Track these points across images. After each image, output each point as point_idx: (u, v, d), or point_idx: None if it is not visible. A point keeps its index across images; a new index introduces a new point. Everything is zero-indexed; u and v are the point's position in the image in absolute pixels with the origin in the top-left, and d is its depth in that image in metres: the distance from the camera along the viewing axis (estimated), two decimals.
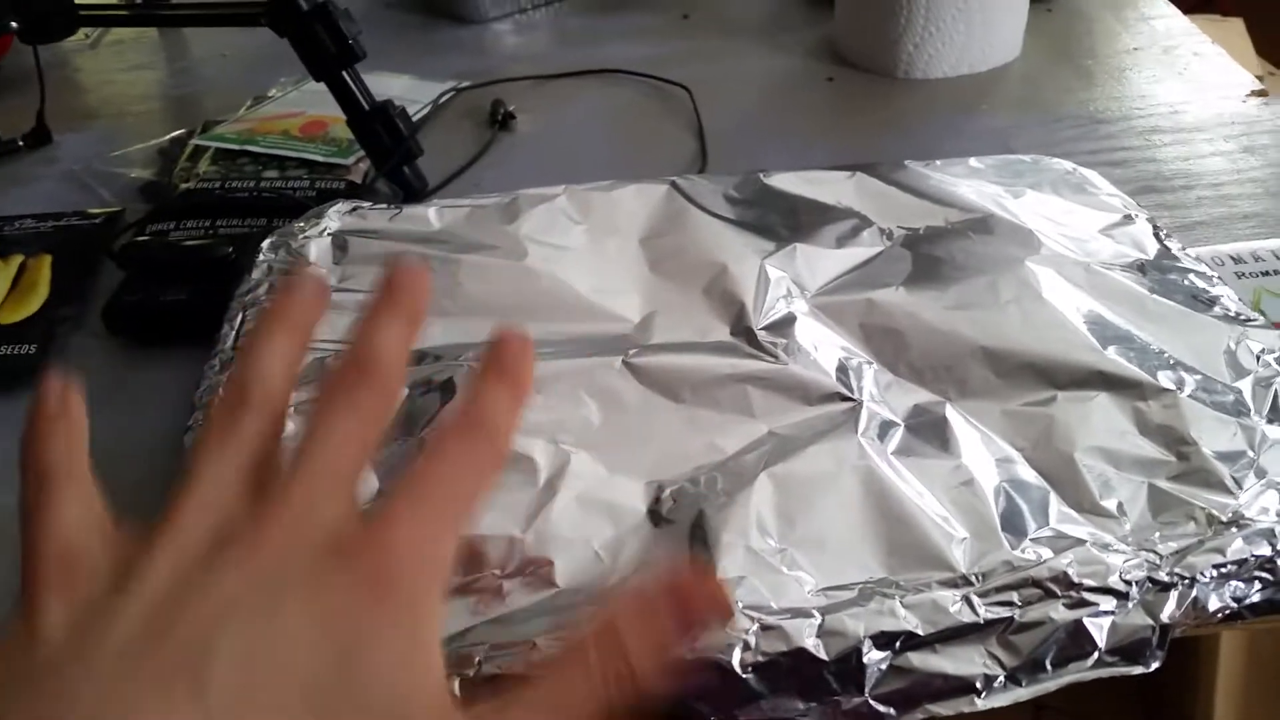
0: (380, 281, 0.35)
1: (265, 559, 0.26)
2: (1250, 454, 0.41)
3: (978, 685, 0.34)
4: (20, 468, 0.30)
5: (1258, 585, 0.36)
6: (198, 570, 0.26)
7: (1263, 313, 0.53)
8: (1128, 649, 0.35)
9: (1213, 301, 0.49)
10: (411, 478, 0.29)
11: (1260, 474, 0.40)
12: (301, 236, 0.56)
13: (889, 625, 0.34)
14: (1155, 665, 0.35)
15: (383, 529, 0.27)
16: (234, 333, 0.50)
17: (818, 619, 0.35)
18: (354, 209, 0.59)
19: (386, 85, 0.82)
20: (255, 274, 0.53)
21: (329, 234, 0.56)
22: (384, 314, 0.34)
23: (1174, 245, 0.54)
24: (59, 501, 0.29)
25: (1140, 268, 0.52)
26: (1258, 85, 0.79)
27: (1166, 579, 0.36)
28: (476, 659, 0.34)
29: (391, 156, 0.67)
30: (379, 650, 0.25)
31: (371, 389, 0.31)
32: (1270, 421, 0.42)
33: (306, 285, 0.35)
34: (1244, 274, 0.57)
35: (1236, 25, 1.90)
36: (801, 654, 0.34)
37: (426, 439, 0.30)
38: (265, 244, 0.55)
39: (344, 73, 0.65)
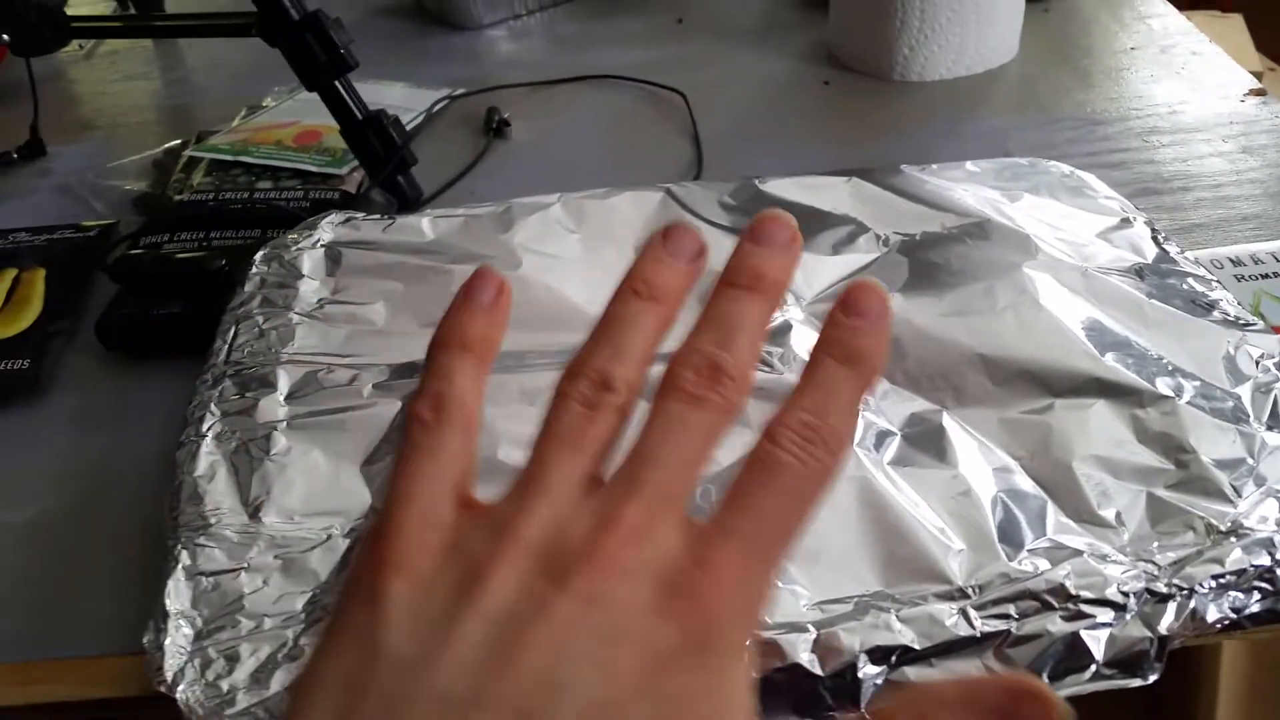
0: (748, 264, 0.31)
1: (604, 591, 0.25)
2: (1250, 461, 0.40)
3: None
4: (421, 392, 0.29)
5: (1257, 595, 0.36)
6: (539, 589, 0.25)
7: (1262, 316, 0.52)
8: (1126, 661, 0.34)
9: (1211, 306, 0.49)
10: (744, 504, 0.27)
11: (1259, 481, 0.39)
12: (294, 248, 0.56)
13: (885, 639, 0.34)
14: (1154, 677, 0.34)
15: (712, 572, 0.26)
16: (226, 347, 0.50)
17: (813, 634, 0.35)
18: (347, 220, 0.58)
19: (381, 94, 0.82)
20: (248, 287, 0.53)
21: (322, 245, 0.56)
22: (742, 299, 0.30)
23: (1172, 248, 0.54)
24: (437, 454, 0.28)
25: (1138, 272, 0.52)
26: (1256, 84, 0.78)
27: (1165, 590, 0.35)
28: None
29: (385, 166, 0.66)
30: (700, 712, 0.25)
31: (721, 394, 0.28)
32: (1270, 428, 0.42)
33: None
34: (1243, 276, 0.56)
35: (1236, 21, 1.90)
36: (797, 669, 0.34)
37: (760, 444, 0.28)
38: (257, 256, 0.55)
39: (336, 82, 0.65)
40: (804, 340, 0.48)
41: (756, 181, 0.60)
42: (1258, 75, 1.72)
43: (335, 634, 0.26)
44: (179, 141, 0.80)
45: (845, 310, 0.29)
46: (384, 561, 0.26)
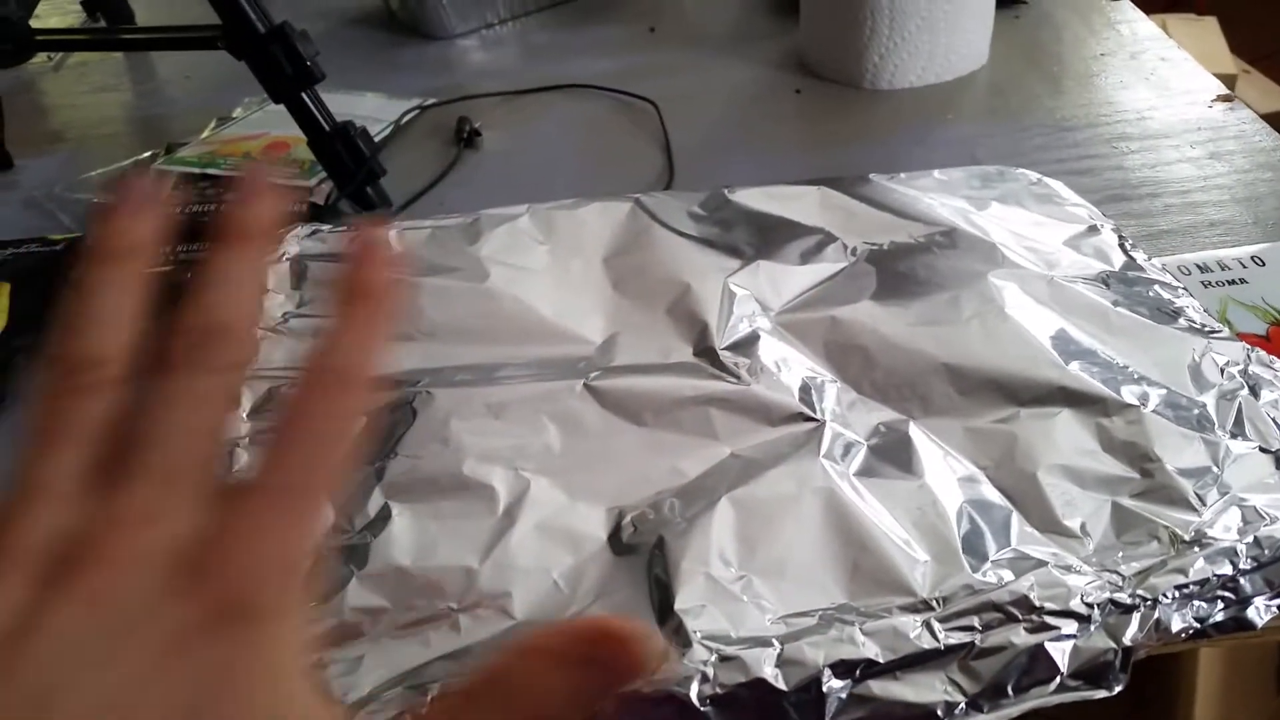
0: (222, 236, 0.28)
1: (106, 586, 0.24)
2: (1214, 469, 0.40)
3: (939, 712, 0.34)
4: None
5: (1220, 604, 0.36)
6: (37, 600, 0.24)
7: (1228, 322, 0.53)
8: (1090, 672, 0.34)
9: (1177, 313, 0.49)
10: (261, 467, 0.26)
11: (1223, 490, 0.39)
12: None
13: (849, 653, 0.34)
14: (1119, 688, 0.34)
15: (228, 541, 0.25)
16: None
17: (777, 648, 0.34)
18: (313, 232, 0.58)
19: (353, 104, 0.82)
20: None
21: (287, 259, 0.56)
22: (223, 268, 0.28)
23: (1139, 256, 0.54)
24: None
25: (1105, 280, 0.52)
26: (1223, 90, 0.79)
27: (1128, 601, 0.35)
28: (430, 696, 0.34)
29: (353, 178, 0.66)
30: (233, 688, 0.24)
31: (215, 354, 0.27)
32: (1234, 436, 0.42)
33: (132, 198, 0.28)
34: (1210, 283, 0.56)
35: (1211, 24, 1.91)
36: (761, 685, 0.34)
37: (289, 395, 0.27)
38: None
39: (303, 94, 0.64)
40: (771, 351, 0.48)
41: (725, 191, 0.60)
42: (1232, 78, 1.74)
43: None
44: (149, 154, 0.79)
45: (353, 263, 0.28)
46: None
